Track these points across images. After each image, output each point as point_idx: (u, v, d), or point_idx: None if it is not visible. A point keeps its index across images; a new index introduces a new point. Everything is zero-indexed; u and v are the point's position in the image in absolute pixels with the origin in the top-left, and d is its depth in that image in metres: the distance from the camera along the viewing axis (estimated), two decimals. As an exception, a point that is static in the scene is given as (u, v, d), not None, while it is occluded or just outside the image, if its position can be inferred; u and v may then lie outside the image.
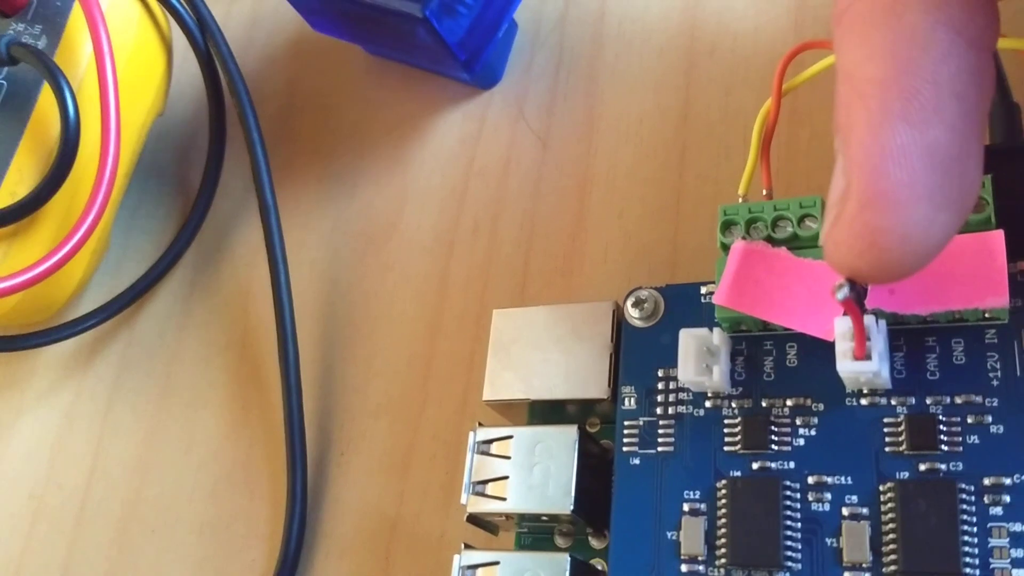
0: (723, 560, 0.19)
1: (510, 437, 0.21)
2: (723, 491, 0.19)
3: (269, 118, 0.30)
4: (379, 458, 0.26)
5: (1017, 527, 0.17)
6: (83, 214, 0.26)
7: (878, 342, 0.18)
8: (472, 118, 0.29)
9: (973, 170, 0.14)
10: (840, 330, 0.18)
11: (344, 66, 0.31)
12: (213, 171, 0.30)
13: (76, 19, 0.28)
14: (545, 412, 0.22)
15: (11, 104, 0.28)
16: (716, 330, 0.20)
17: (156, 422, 0.29)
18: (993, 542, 0.17)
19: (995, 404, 0.18)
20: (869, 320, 0.18)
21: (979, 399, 0.18)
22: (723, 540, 0.19)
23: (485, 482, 0.21)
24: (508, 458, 0.21)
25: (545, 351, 0.22)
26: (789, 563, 0.18)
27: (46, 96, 0.28)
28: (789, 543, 0.18)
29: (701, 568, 0.19)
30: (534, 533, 0.22)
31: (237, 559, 0.26)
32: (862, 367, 0.18)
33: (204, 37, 0.30)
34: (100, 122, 0.27)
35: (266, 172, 0.28)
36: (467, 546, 0.20)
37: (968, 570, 0.17)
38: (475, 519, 0.21)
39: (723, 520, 0.19)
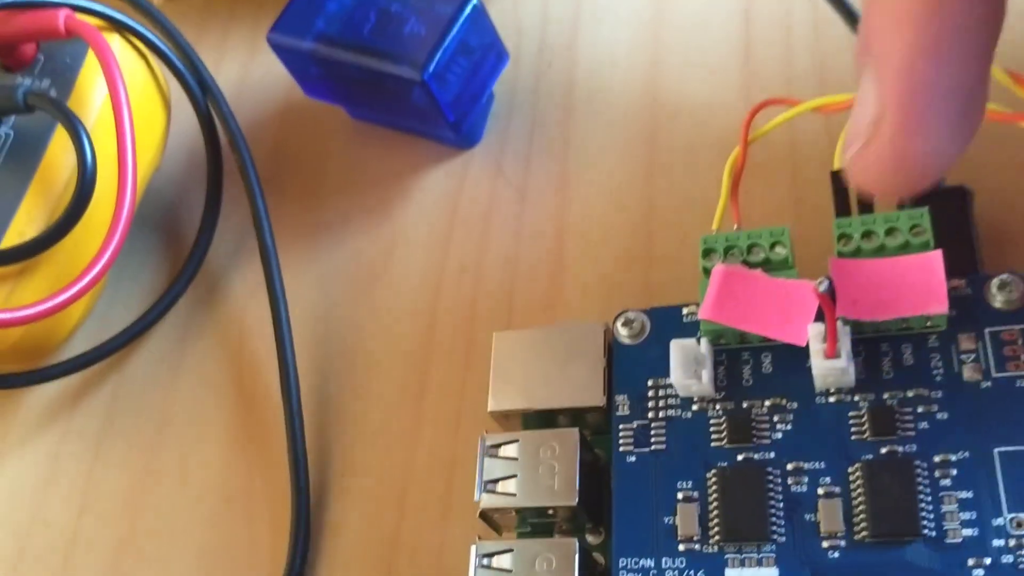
0: (716, 538, 0.21)
1: (516, 441, 0.23)
2: (713, 479, 0.22)
3: (259, 177, 0.32)
4: (378, 478, 0.27)
5: (963, 495, 0.20)
6: (97, 255, 0.28)
7: (845, 343, 0.21)
8: (454, 175, 0.32)
9: (984, 97, 0.16)
10: (813, 333, 0.21)
11: (329, 128, 0.34)
12: (210, 221, 0.32)
13: (87, 74, 0.30)
14: (539, 423, 0.25)
15: (20, 151, 0.30)
16: (702, 340, 0.23)
17: (150, 457, 0.30)
18: (945, 508, 0.20)
19: (940, 396, 0.21)
20: (837, 323, 0.21)
21: (926, 392, 0.22)
22: (715, 521, 0.21)
23: (495, 481, 0.23)
24: (515, 460, 0.23)
25: (543, 366, 0.24)
26: (775, 536, 0.21)
27: (56, 143, 0.29)
28: (774, 520, 0.21)
29: (697, 547, 0.22)
30: (535, 531, 0.24)
31: (239, 580, 0.27)
32: (833, 364, 0.21)
33: (205, 97, 0.32)
34: (112, 171, 0.29)
35: (266, 218, 0.30)
36: (481, 538, 0.22)
37: (926, 531, 0.20)
38: (486, 516, 0.23)
39: (714, 504, 0.22)
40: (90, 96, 0.30)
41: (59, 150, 0.29)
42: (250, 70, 0.36)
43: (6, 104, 0.29)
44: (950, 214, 0.24)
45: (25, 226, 0.29)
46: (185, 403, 0.31)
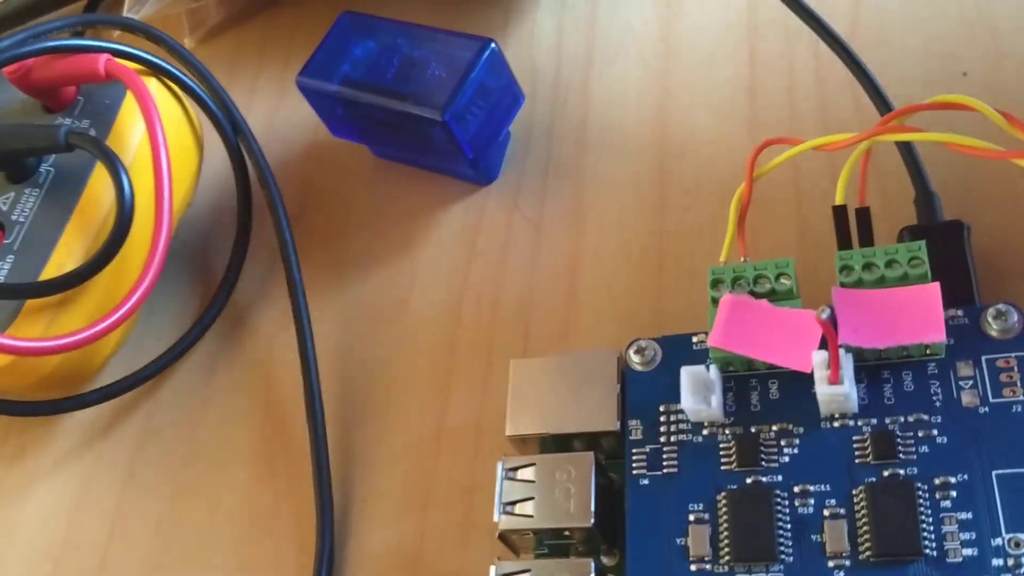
0: (727, 558, 0.22)
1: (533, 464, 0.24)
2: (723, 501, 0.23)
3: (288, 213, 0.34)
4: (399, 503, 0.28)
5: (963, 515, 0.21)
6: (133, 287, 0.29)
7: (848, 370, 0.22)
8: (472, 210, 0.33)
9: None
10: (817, 360, 0.22)
11: (353, 167, 0.35)
12: (239, 255, 0.33)
13: (125, 116, 0.32)
14: (555, 447, 0.25)
15: (59, 188, 0.31)
16: (712, 367, 0.24)
17: (180, 484, 0.31)
18: (945, 528, 0.21)
19: (939, 420, 0.22)
20: (840, 351, 0.22)
21: (926, 417, 0.23)
22: (726, 542, 0.22)
23: (514, 503, 0.24)
24: (532, 482, 0.24)
25: (558, 393, 0.25)
26: (783, 556, 0.22)
27: (96, 180, 0.31)
28: (781, 540, 0.22)
29: (708, 567, 0.22)
30: (552, 552, 0.25)
31: (266, 601, 0.28)
32: (836, 390, 0.22)
33: (236, 137, 0.33)
34: (148, 207, 0.30)
35: (293, 251, 0.31)
36: (500, 559, 0.23)
37: (927, 551, 0.21)
38: (504, 537, 0.24)
39: (724, 526, 0.23)
40: (128, 136, 0.32)
41: (98, 187, 0.31)
42: (279, 111, 0.37)
43: (48, 143, 0.30)
44: (947, 247, 0.25)
45: (65, 259, 0.30)
46: (214, 431, 0.32)
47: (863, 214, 0.25)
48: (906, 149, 0.27)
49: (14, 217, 0.31)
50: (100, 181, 0.31)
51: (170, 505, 0.31)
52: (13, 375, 0.30)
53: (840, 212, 0.26)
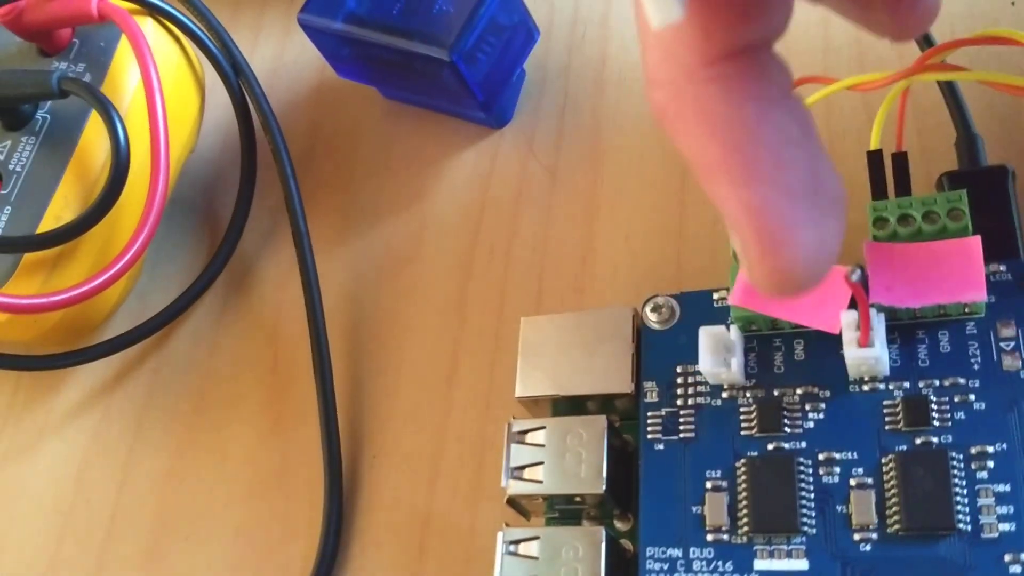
0: (745, 528, 0.21)
1: (543, 428, 0.23)
2: (742, 469, 0.22)
3: (293, 158, 0.32)
4: (409, 460, 0.27)
5: (1000, 488, 0.20)
6: (132, 239, 0.28)
7: (879, 332, 0.21)
8: (485, 155, 0.31)
9: (827, 181, 0.16)
10: (846, 321, 0.21)
11: (362, 109, 0.34)
12: (244, 203, 0.32)
13: (120, 58, 0.30)
14: (568, 409, 0.24)
15: (55, 136, 0.30)
16: (732, 327, 0.22)
17: (188, 437, 0.30)
18: (981, 501, 0.20)
19: (977, 385, 0.21)
20: (871, 311, 0.20)
21: (963, 381, 0.21)
22: (744, 512, 0.21)
23: (522, 468, 0.23)
24: (542, 446, 0.23)
25: (571, 352, 0.24)
26: (805, 528, 0.21)
27: (91, 127, 0.30)
28: (804, 511, 0.21)
29: (725, 537, 0.21)
30: (564, 518, 0.24)
31: (273, 559, 0.27)
32: (866, 353, 0.21)
33: (238, 79, 0.32)
34: (147, 154, 0.29)
35: (298, 201, 0.30)
36: (508, 524, 0.22)
37: (961, 525, 0.20)
38: (513, 502, 0.23)
39: (743, 494, 0.21)
40: (124, 80, 0.30)
41: (94, 134, 0.30)
42: (285, 52, 0.36)
43: (41, 90, 0.29)
44: (990, 194, 0.23)
45: (62, 209, 0.29)
46: (222, 383, 0.31)
47: (900, 160, 0.24)
48: (947, 88, 0.25)
49: (11, 166, 0.30)
50: (96, 128, 0.29)
51: (178, 460, 0.30)
52: (14, 330, 0.29)
53: (875, 158, 0.24)
